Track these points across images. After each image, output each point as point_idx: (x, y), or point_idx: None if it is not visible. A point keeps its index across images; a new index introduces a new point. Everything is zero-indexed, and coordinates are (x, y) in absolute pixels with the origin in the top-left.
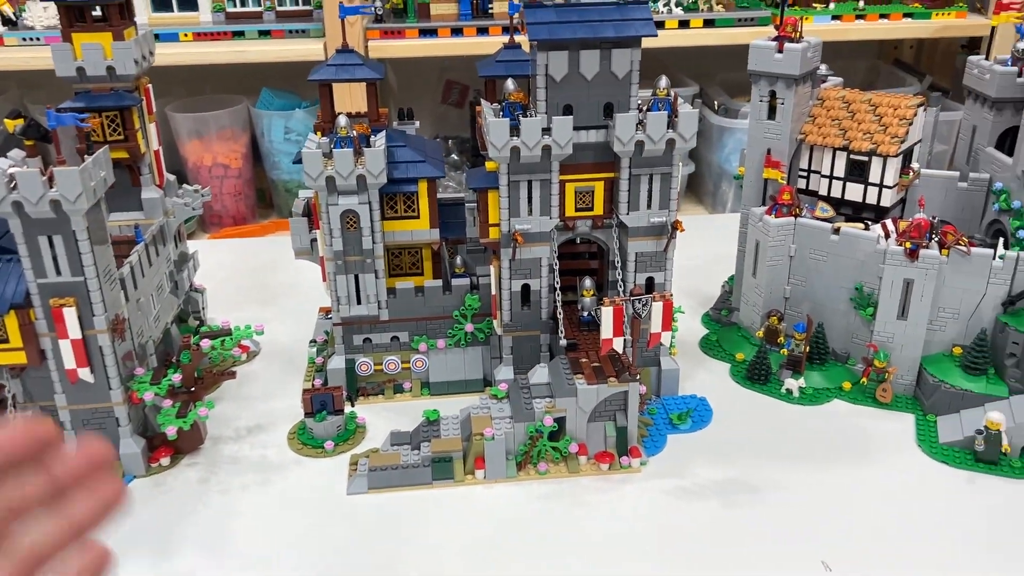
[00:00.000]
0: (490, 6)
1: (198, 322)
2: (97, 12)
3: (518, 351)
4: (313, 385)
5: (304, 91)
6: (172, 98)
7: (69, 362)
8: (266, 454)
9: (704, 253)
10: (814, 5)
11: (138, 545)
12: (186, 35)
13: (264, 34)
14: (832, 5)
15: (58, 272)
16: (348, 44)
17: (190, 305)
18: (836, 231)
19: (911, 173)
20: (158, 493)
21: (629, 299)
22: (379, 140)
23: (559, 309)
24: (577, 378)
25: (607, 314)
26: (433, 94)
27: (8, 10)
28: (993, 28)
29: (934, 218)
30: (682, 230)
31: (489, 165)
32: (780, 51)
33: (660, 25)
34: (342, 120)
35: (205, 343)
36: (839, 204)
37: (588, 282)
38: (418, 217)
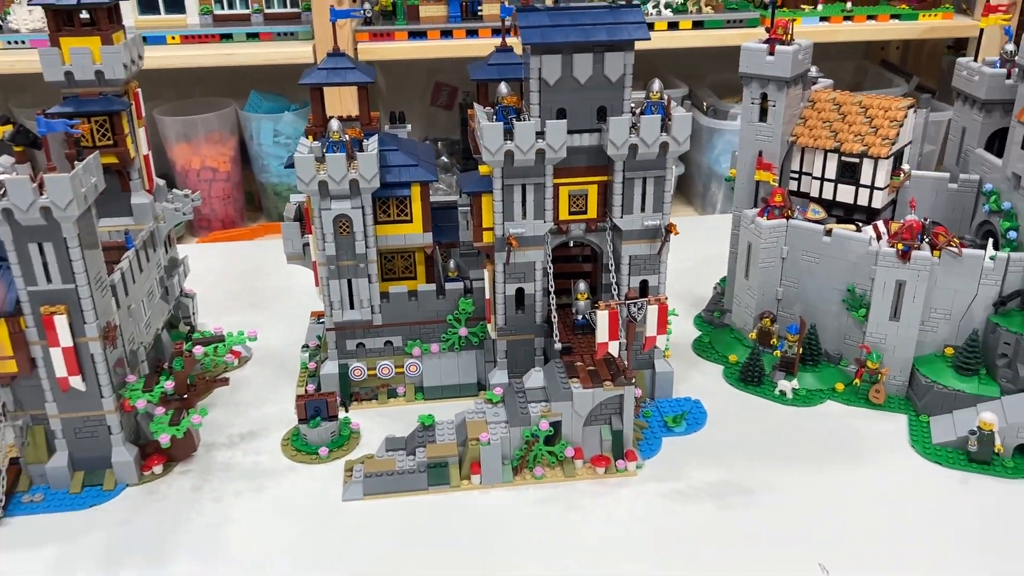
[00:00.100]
0: (479, 8)
1: (189, 327)
2: (85, 16)
3: (512, 355)
4: (306, 390)
5: (293, 94)
6: (160, 101)
7: (60, 370)
8: (259, 461)
9: (695, 254)
10: (802, 7)
11: (132, 554)
12: (173, 38)
13: (252, 37)
14: (820, 6)
15: (48, 279)
16: (339, 47)
17: (180, 310)
18: (828, 233)
19: (902, 175)
20: (151, 501)
21: (625, 303)
22: (372, 144)
23: (553, 312)
24: (573, 382)
25: (602, 318)
26: (422, 96)
27: None
28: (981, 30)
29: (925, 219)
30: (676, 233)
31: (483, 169)
32: (771, 53)
33: (649, 27)
34: (334, 124)
35: (198, 350)
36: (830, 206)
37: (582, 285)
38: (411, 221)
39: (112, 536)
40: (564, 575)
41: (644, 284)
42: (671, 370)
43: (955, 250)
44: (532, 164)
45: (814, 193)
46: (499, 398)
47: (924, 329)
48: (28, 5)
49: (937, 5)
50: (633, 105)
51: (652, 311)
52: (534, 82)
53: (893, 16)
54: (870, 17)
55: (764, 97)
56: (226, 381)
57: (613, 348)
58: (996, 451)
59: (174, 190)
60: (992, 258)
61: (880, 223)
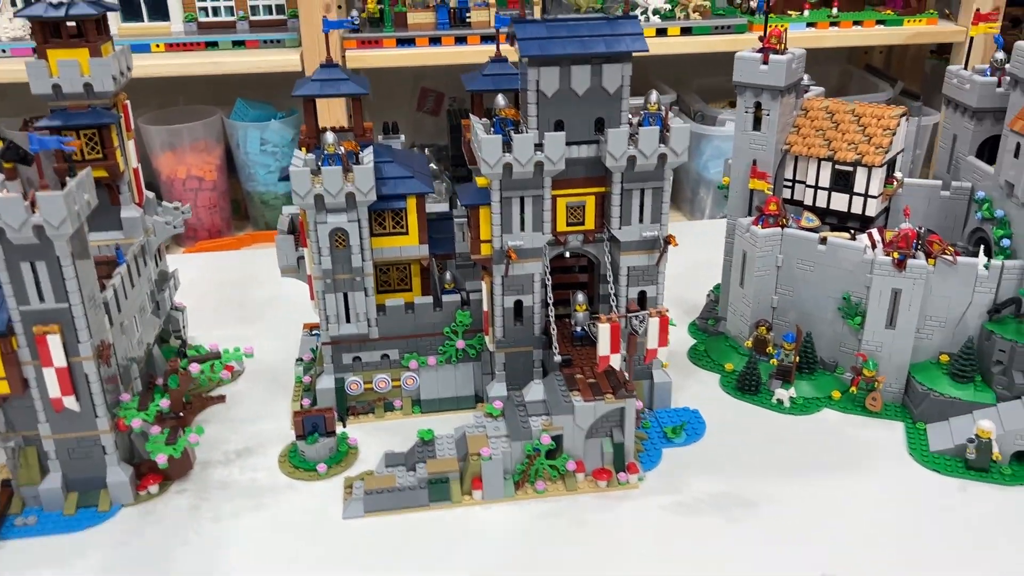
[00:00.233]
0: (467, 15)
1: (180, 341)
2: (72, 26)
3: (511, 367)
4: (301, 405)
5: (279, 102)
6: (144, 110)
7: (54, 391)
8: (257, 478)
9: (685, 260)
10: (789, 13)
11: None
12: (158, 46)
13: (238, 44)
14: (807, 12)
15: (41, 299)
16: (332, 58)
17: (171, 324)
18: (823, 241)
19: (895, 182)
20: (148, 522)
21: (626, 316)
22: (367, 157)
23: (552, 324)
24: (574, 395)
25: (604, 331)
26: (408, 102)
27: None
28: (971, 38)
29: (920, 228)
30: (675, 244)
31: (480, 181)
32: (765, 63)
33: None
34: (329, 137)
35: (194, 367)
36: (824, 214)
37: (581, 297)
38: (407, 233)
39: (108, 558)
40: None
41: (642, 295)
42: (669, 380)
43: (950, 258)
44: (531, 176)
45: (808, 201)
46: (499, 412)
47: (919, 337)
48: (14, 17)
49: (922, 11)
50: (630, 116)
51: (653, 324)
52: (532, 94)
53: (879, 22)
54: (856, 23)
55: (758, 106)
56: (222, 398)
57: (615, 361)
58: (994, 458)
59: (163, 203)
60: (986, 266)
61: (874, 231)
